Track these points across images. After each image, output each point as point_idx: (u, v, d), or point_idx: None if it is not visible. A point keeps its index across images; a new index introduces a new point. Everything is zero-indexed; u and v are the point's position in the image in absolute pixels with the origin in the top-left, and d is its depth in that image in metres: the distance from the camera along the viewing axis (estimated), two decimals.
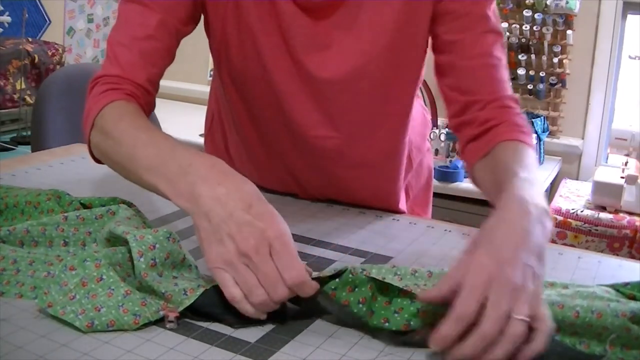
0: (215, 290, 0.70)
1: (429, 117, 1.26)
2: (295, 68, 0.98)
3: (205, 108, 1.29)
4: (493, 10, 0.97)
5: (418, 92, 1.11)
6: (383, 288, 0.69)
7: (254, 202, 0.70)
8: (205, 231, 0.70)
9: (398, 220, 1.06)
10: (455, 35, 0.96)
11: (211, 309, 0.69)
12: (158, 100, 1.02)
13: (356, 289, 0.69)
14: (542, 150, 2.76)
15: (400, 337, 0.67)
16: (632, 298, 0.71)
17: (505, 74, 0.97)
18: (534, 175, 0.81)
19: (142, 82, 0.93)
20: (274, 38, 0.97)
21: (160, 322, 0.68)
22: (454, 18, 0.95)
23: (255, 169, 1.14)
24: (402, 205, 1.16)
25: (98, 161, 0.93)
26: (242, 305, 0.68)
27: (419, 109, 1.19)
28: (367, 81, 0.99)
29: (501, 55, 0.97)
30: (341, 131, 1.03)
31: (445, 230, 1.03)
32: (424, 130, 1.23)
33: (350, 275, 0.69)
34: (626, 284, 0.74)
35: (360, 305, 0.69)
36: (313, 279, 0.69)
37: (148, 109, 0.96)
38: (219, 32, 1.01)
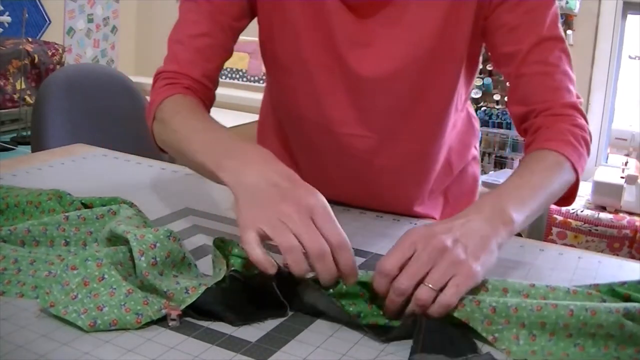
0: (217, 289, 0.71)
1: (477, 126, 1.23)
2: (336, 64, 0.99)
3: None
4: (552, 14, 0.95)
5: (465, 102, 1.11)
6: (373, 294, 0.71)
7: (296, 178, 0.73)
8: (244, 199, 0.72)
9: (398, 220, 1.07)
10: (510, 47, 0.95)
11: (213, 307, 0.70)
12: None
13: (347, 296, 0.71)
14: None
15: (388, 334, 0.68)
16: (627, 298, 0.71)
17: (563, 80, 0.95)
18: (528, 180, 0.83)
19: (198, 77, 0.98)
20: (317, 34, 0.98)
21: (161, 321, 0.68)
22: (508, 30, 0.94)
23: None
24: (428, 209, 1.15)
25: (161, 150, 1.00)
26: (265, 265, 0.68)
27: (465, 117, 1.17)
28: (405, 82, 0.99)
29: (558, 61, 0.94)
30: (374, 131, 1.03)
31: None
32: (469, 139, 1.20)
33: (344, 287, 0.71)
34: (623, 283, 0.74)
35: (351, 309, 0.71)
36: (313, 280, 0.70)
37: (207, 102, 1.00)
38: (266, 28, 1.03)
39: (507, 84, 1.00)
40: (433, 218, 1.14)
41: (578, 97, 0.97)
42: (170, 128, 0.90)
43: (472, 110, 1.20)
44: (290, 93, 1.06)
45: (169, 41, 1.02)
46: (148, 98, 1.01)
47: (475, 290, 0.70)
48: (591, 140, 0.97)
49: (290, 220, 0.68)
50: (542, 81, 0.94)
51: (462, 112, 1.13)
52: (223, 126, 0.88)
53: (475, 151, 1.23)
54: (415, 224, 1.05)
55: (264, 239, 0.69)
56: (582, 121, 0.94)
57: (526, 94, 0.96)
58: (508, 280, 0.72)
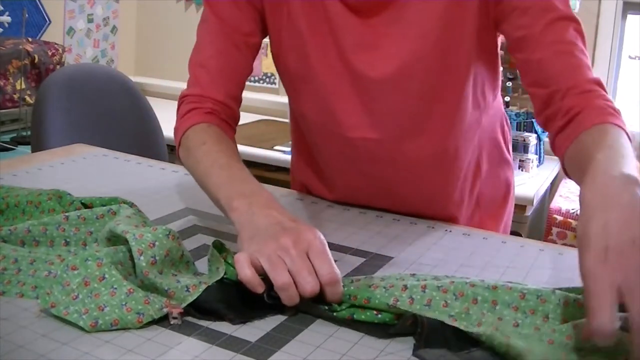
0: (217, 287, 0.71)
1: (508, 129, 1.20)
2: (344, 68, 0.99)
3: None
4: None
5: (491, 100, 1.08)
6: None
7: (298, 220, 0.78)
8: (248, 235, 0.76)
9: (398, 220, 1.06)
10: (523, 30, 0.93)
11: (213, 305, 0.70)
12: (158, 100, 1.04)
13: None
14: (542, 151, 2.76)
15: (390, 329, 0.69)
16: None
17: (582, 58, 0.92)
18: (617, 151, 0.77)
19: (222, 99, 1.01)
20: (323, 39, 0.98)
21: (161, 321, 0.68)
22: (519, 14, 0.93)
23: (313, 178, 1.17)
24: (456, 211, 1.12)
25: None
26: (253, 283, 0.71)
27: (495, 117, 1.14)
28: (414, 81, 0.98)
29: (575, 40, 0.92)
30: (388, 133, 1.02)
31: (446, 230, 1.03)
32: (499, 140, 1.17)
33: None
34: None
35: (344, 312, 0.72)
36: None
37: (232, 121, 1.04)
38: (276, 40, 1.04)
39: (519, 71, 0.97)
40: (455, 221, 1.11)
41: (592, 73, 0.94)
42: (195, 158, 0.95)
43: (503, 110, 1.18)
44: (304, 102, 1.07)
45: (190, 64, 1.05)
46: (148, 98, 1.03)
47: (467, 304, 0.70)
48: None
49: (287, 255, 0.72)
50: (562, 60, 0.92)
51: (489, 110, 1.10)
52: (240, 162, 0.91)
53: (507, 155, 1.20)
54: (416, 223, 1.05)
55: (260, 272, 0.72)
56: (605, 94, 0.92)
57: (548, 75, 0.93)
58: (498, 290, 0.71)
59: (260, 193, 0.84)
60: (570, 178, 0.90)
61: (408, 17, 0.95)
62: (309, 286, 0.70)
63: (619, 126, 0.86)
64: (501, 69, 1.09)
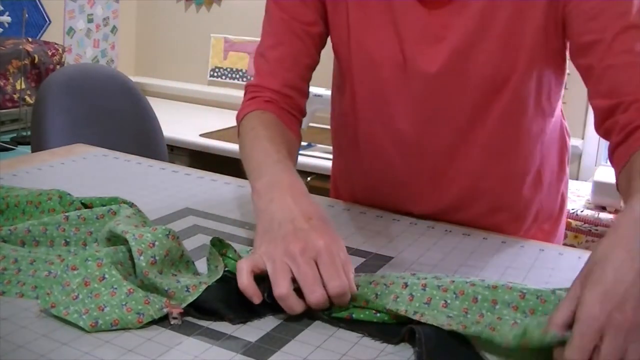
0: (217, 286, 0.71)
1: (569, 142, 1.14)
2: (404, 61, 0.97)
3: (205, 108, 1.32)
4: (638, 3, 0.87)
5: (554, 108, 1.04)
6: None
7: (315, 216, 0.76)
8: (262, 229, 0.76)
9: (398, 220, 1.06)
10: (591, 36, 0.88)
11: (213, 304, 0.70)
12: (158, 100, 1.04)
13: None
14: None
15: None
16: None
17: None
18: None
19: (279, 88, 1.02)
20: (384, 30, 0.97)
21: (161, 321, 0.68)
22: (589, 18, 0.88)
23: (355, 185, 1.15)
24: (513, 222, 1.07)
25: None
26: (249, 293, 0.70)
27: (558, 128, 1.09)
28: (473, 75, 0.95)
29: None
30: (442, 129, 0.99)
31: (446, 230, 1.03)
32: (561, 152, 1.11)
33: None
34: None
35: (342, 314, 0.72)
36: None
37: (294, 111, 1.04)
38: (336, 35, 1.03)
39: (582, 76, 0.92)
40: (502, 231, 1.05)
41: None
42: (242, 143, 0.98)
43: (565, 123, 1.12)
44: (359, 98, 1.04)
45: (255, 55, 1.07)
46: (148, 98, 1.04)
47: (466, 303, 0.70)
48: None
49: (294, 262, 0.70)
50: (631, 72, 0.86)
51: (551, 118, 1.04)
52: (280, 150, 0.91)
53: (567, 169, 1.15)
54: (416, 223, 1.05)
55: (264, 274, 0.71)
56: None
57: (613, 86, 0.87)
58: (499, 290, 0.70)
59: (283, 176, 0.83)
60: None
61: (473, 9, 0.92)
62: (314, 297, 0.69)
63: None
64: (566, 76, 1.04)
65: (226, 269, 0.75)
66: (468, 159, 1.02)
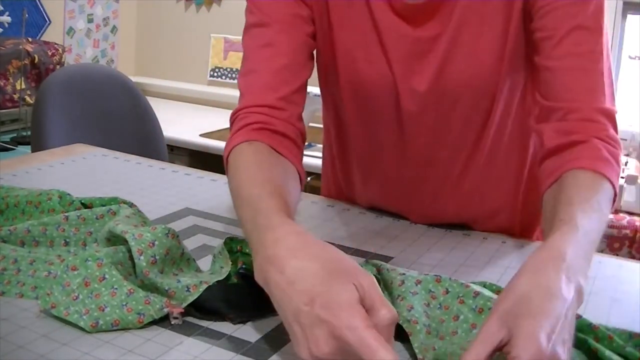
0: (218, 286, 0.71)
1: None
2: (395, 81, 0.93)
3: (205, 108, 1.30)
4: (596, 4, 0.83)
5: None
6: None
7: (317, 290, 0.58)
8: (281, 315, 0.62)
9: (398, 220, 1.06)
10: (542, 33, 0.85)
11: (214, 303, 0.70)
12: (158, 100, 1.03)
13: None
14: None
15: None
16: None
17: (598, 81, 0.83)
18: (595, 225, 0.70)
19: (272, 102, 0.88)
20: (372, 49, 0.93)
21: (161, 321, 0.68)
22: (545, 14, 0.84)
23: (354, 191, 1.12)
24: (517, 226, 1.06)
25: None
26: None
27: None
28: (463, 85, 0.91)
29: (597, 57, 0.83)
30: (441, 147, 0.97)
31: (446, 230, 1.03)
32: None
33: None
34: None
35: None
36: None
37: (285, 127, 0.88)
38: (322, 58, 0.99)
39: (534, 72, 0.90)
40: (506, 233, 1.04)
41: (612, 103, 0.85)
42: (232, 185, 0.80)
43: None
44: (349, 115, 1.01)
45: (239, 80, 0.94)
46: (148, 98, 0.99)
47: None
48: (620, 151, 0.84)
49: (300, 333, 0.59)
50: (575, 78, 0.83)
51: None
52: (272, 193, 0.73)
53: None
54: (416, 223, 1.05)
55: None
56: (613, 132, 0.83)
57: (555, 89, 0.84)
58: (483, 316, 0.69)
59: (271, 234, 0.65)
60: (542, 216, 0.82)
61: (455, 20, 0.88)
62: None
63: (608, 179, 0.78)
64: None
65: (243, 265, 0.74)
66: (468, 174, 1.00)
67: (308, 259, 0.61)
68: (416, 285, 0.73)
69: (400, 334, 0.68)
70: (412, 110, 0.94)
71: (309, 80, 0.95)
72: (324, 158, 1.20)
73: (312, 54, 0.96)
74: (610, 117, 0.83)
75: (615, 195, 0.79)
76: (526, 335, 0.55)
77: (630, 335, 0.68)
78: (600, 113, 0.83)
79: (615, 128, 0.84)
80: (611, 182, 0.78)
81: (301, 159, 0.91)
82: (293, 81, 0.91)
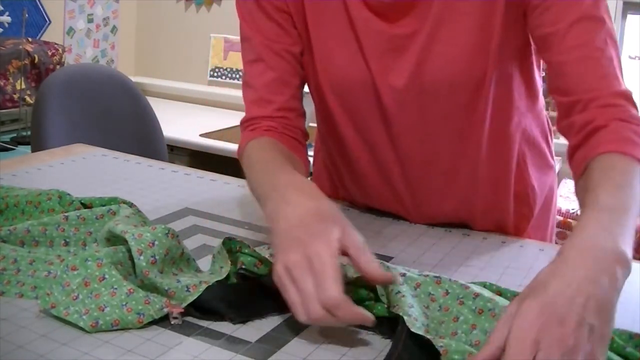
0: (218, 286, 0.71)
1: (551, 134, 1.12)
2: (369, 76, 0.94)
3: (204, 108, 1.30)
4: None
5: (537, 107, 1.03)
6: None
7: (312, 219, 0.71)
8: (275, 238, 0.72)
9: (398, 220, 1.06)
10: (545, 29, 0.85)
11: (214, 303, 0.70)
12: (158, 100, 1.03)
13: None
14: None
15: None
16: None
17: (610, 66, 0.84)
18: (622, 200, 0.70)
19: (272, 113, 0.97)
20: (349, 47, 0.94)
21: (161, 321, 0.68)
22: (543, 10, 0.85)
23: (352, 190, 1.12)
24: (509, 222, 1.05)
25: None
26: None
27: (537, 122, 1.06)
28: (443, 86, 0.92)
29: (603, 45, 0.83)
30: (427, 145, 0.97)
31: (446, 230, 1.03)
32: (543, 147, 1.09)
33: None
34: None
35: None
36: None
37: (297, 133, 0.99)
38: (307, 53, 1.00)
39: (546, 72, 0.90)
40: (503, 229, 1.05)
41: (625, 86, 0.86)
42: (247, 175, 0.92)
43: (545, 115, 1.09)
44: (335, 115, 1.01)
45: (242, 86, 1.03)
46: (148, 98, 1.01)
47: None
48: None
49: (293, 273, 0.67)
50: (586, 68, 0.84)
51: (528, 114, 1.02)
52: (282, 164, 0.87)
53: (551, 161, 1.12)
54: (416, 224, 1.05)
55: None
56: (635, 111, 0.84)
57: (569, 83, 0.85)
58: (482, 317, 0.69)
59: (290, 184, 0.79)
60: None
61: (432, 15, 0.89)
62: (307, 316, 0.65)
63: (632, 155, 0.78)
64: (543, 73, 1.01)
65: (243, 265, 0.74)
66: (458, 172, 1.00)
67: (313, 198, 0.75)
68: (416, 289, 0.73)
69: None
70: (393, 107, 0.95)
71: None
72: (315, 159, 1.21)
73: (300, 62, 1.00)
74: (629, 98, 0.84)
75: None
76: (518, 313, 0.57)
77: (631, 336, 0.68)
78: (618, 96, 0.83)
79: (635, 107, 0.84)
80: (637, 158, 0.78)
81: (306, 154, 1.00)
82: (286, 90, 0.98)
